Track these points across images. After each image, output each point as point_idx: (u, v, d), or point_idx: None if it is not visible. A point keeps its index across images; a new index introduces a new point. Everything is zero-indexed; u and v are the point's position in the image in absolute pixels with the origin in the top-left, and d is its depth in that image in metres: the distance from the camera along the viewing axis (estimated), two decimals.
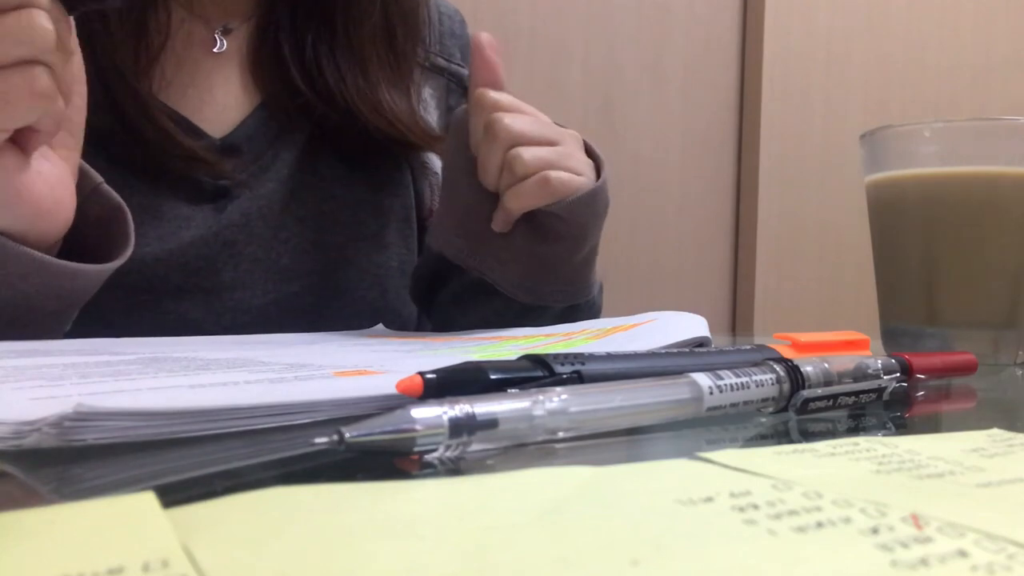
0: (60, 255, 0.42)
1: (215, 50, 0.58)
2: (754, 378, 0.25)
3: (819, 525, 0.14)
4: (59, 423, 0.18)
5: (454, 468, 0.18)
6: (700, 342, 0.39)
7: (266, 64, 0.59)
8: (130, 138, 0.52)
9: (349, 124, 0.59)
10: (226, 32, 0.59)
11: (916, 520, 0.14)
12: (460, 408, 0.18)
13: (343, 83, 0.58)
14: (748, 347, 0.36)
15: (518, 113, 0.51)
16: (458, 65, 0.70)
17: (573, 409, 0.20)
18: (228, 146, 0.57)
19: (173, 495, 0.14)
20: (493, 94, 0.51)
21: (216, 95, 0.58)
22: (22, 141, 0.39)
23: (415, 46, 0.64)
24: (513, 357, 0.25)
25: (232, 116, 0.58)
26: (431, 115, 0.67)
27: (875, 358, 0.28)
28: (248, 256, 0.57)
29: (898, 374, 0.29)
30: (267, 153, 0.58)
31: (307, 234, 0.59)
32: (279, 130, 0.59)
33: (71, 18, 0.37)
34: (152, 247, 0.53)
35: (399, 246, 0.64)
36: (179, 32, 0.56)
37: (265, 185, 0.58)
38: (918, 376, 0.32)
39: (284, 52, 0.58)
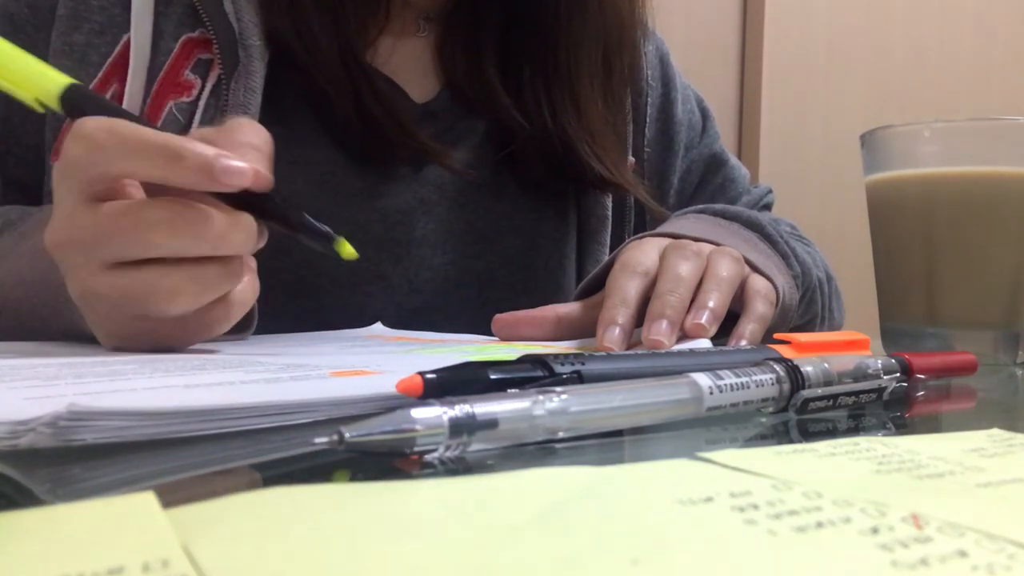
0: None
1: (417, 34, 0.62)
2: (754, 378, 0.25)
3: (819, 525, 0.14)
4: (54, 423, 0.18)
5: (454, 468, 0.18)
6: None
7: (456, 51, 0.62)
8: (350, 104, 0.55)
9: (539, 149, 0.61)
10: (428, 19, 0.62)
11: (916, 520, 0.14)
12: (460, 408, 0.18)
13: (554, 112, 0.60)
14: (748, 347, 0.36)
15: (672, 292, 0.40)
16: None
17: (573, 409, 0.20)
18: (426, 112, 0.60)
19: (173, 495, 0.14)
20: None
21: (412, 72, 0.61)
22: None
23: (627, 83, 0.65)
24: (513, 357, 0.25)
25: (424, 92, 0.61)
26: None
27: (875, 358, 0.28)
28: (437, 216, 0.59)
29: (898, 374, 0.29)
30: (459, 125, 0.61)
31: (487, 203, 0.61)
32: (465, 111, 0.62)
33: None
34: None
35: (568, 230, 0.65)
36: (396, 18, 0.60)
37: (458, 152, 0.60)
38: (918, 376, 0.32)
39: (480, 45, 0.61)
